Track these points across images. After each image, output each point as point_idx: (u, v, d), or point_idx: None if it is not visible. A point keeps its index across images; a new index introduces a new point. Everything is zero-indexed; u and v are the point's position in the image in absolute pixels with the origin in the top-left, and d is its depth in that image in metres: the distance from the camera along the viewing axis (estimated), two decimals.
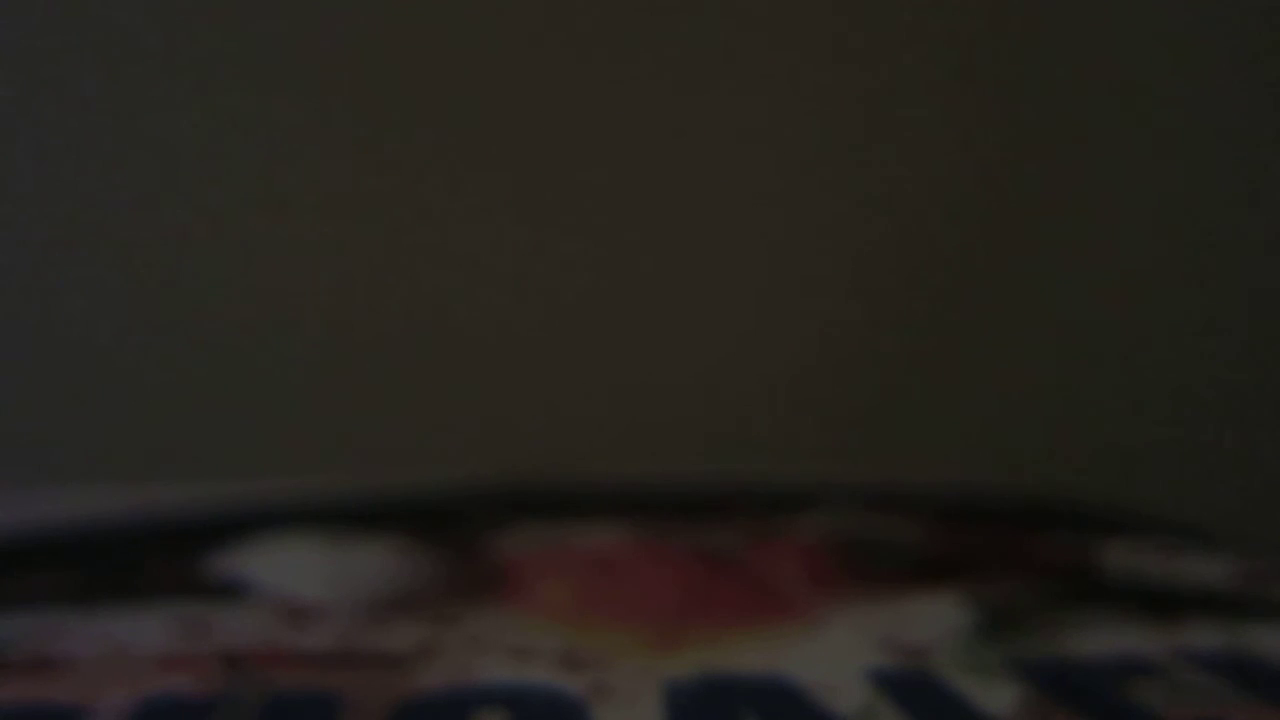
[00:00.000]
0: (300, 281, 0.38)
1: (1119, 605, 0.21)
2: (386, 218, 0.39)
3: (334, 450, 0.38)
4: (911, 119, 0.40)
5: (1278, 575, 0.23)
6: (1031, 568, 0.23)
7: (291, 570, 0.22)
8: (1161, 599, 0.22)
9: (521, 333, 0.39)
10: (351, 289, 0.39)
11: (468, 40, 0.39)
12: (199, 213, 0.38)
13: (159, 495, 0.26)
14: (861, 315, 0.40)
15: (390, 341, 0.39)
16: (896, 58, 0.40)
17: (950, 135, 0.41)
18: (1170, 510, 0.30)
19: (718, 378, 0.40)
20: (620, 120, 0.39)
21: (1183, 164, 0.42)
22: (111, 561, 0.23)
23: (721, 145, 0.40)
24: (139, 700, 0.17)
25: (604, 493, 0.28)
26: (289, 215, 0.38)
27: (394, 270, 0.39)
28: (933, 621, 0.20)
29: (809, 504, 0.27)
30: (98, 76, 0.37)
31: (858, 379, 0.40)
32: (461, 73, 0.39)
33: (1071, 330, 0.41)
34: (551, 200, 0.39)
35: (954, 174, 0.41)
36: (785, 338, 0.40)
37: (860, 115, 0.40)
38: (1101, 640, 0.20)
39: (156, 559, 0.23)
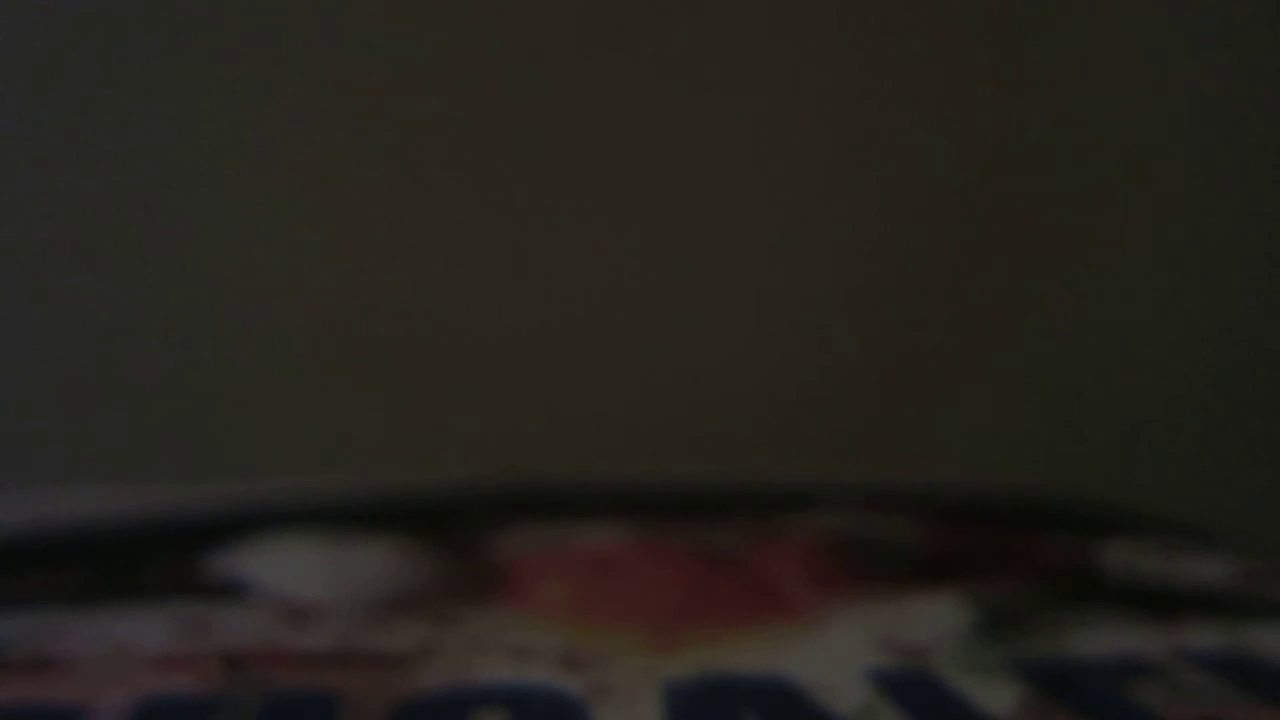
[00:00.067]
0: (300, 281, 0.38)
1: (1119, 605, 0.21)
2: (386, 218, 0.39)
3: (334, 450, 0.38)
4: (912, 119, 0.40)
5: (1278, 575, 0.23)
6: (1031, 568, 0.23)
7: (291, 570, 0.22)
8: (1161, 599, 0.22)
9: (521, 333, 0.39)
10: (351, 289, 0.39)
11: (468, 40, 0.39)
12: (198, 213, 0.38)
13: (159, 495, 0.26)
14: (862, 315, 0.40)
15: (390, 341, 0.39)
16: (897, 58, 0.40)
17: (950, 136, 0.41)
18: (1170, 510, 0.30)
19: (718, 377, 0.40)
20: (620, 120, 0.39)
21: (1183, 164, 0.42)
22: (111, 561, 0.23)
23: (722, 145, 0.40)
24: (139, 700, 0.17)
25: (604, 493, 0.28)
26: (289, 215, 0.38)
27: (394, 270, 0.39)
28: (933, 621, 0.20)
29: (809, 504, 0.27)
30: (98, 76, 0.38)
31: (858, 379, 0.40)
32: (462, 73, 0.39)
33: (1071, 330, 0.41)
34: (551, 200, 0.39)
35: (954, 174, 0.41)
36: (785, 338, 0.40)
37: (861, 116, 0.40)
38: (1101, 640, 0.20)
39: (156, 559, 0.23)
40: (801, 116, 0.40)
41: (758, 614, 0.21)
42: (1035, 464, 0.40)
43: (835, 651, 0.19)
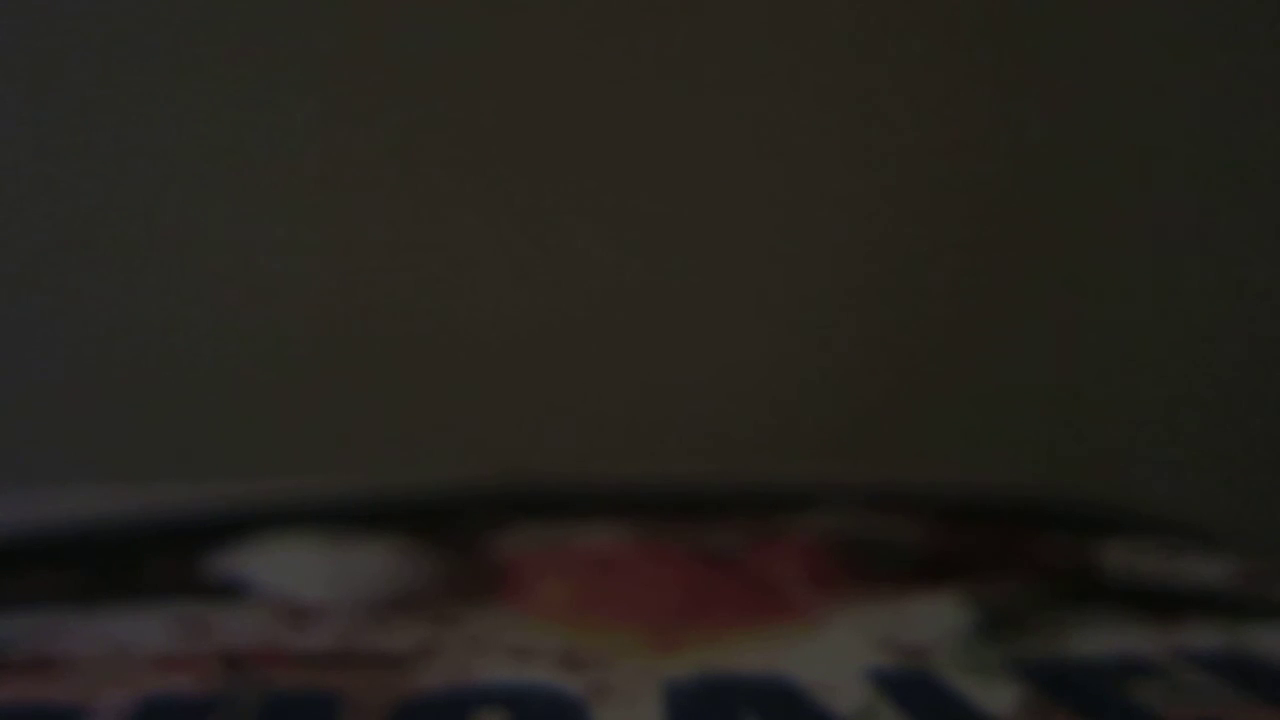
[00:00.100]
0: (300, 281, 0.38)
1: (1119, 605, 0.21)
2: (386, 218, 0.39)
3: (334, 450, 0.38)
4: (912, 120, 0.40)
5: (1278, 575, 0.23)
6: (1031, 568, 0.23)
7: (291, 570, 0.22)
8: (1161, 599, 0.22)
9: (521, 333, 0.39)
10: (351, 289, 0.39)
11: (469, 40, 0.39)
12: (198, 213, 0.38)
13: (159, 495, 0.26)
14: (862, 315, 0.40)
15: (390, 341, 0.39)
16: (897, 58, 0.40)
17: (951, 136, 0.41)
18: (1170, 510, 0.30)
19: (718, 378, 0.40)
20: (621, 120, 0.39)
21: (1183, 164, 0.42)
22: (112, 561, 0.23)
23: (722, 145, 0.40)
24: (139, 700, 0.17)
25: (604, 493, 0.28)
26: (289, 215, 0.38)
27: (394, 270, 0.39)
28: (933, 621, 0.20)
29: (809, 504, 0.27)
30: (98, 76, 0.37)
31: (858, 379, 0.40)
32: (463, 72, 0.39)
33: (1071, 330, 0.41)
34: (552, 201, 0.39)
35: (954, 174, 0.41)
36: (785, 338, 0.40)
37: (861, 115, 0.40)
38: (1101, 640, 0.20)
39: (156, 559, 0.23)
40: (802, 116, 0.40)
41: (758, 614, 0.20)
42: (1035, 464, 0.40)
43: (835, 651, 0.19)
